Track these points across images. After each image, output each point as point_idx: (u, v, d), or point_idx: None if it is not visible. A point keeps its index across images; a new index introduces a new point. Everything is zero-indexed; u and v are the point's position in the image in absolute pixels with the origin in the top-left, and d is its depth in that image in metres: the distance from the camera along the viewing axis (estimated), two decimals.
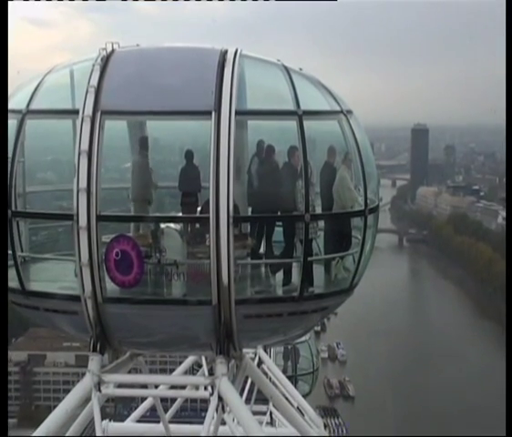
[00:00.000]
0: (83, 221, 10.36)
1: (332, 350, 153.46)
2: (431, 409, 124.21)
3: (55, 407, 11.21)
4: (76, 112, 10.69)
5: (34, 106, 11.08)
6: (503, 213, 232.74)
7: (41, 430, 10.90)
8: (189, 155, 11.77)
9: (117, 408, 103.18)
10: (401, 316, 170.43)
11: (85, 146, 10.45)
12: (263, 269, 11.78)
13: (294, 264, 11.30)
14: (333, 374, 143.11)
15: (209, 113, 10.41)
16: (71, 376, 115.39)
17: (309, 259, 10.97)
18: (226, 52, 11.07)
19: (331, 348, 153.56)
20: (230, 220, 10.26)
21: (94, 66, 10.88)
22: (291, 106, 10.79)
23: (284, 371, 24.74)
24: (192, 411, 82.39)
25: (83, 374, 11.20)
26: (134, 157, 12.48)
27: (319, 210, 11.57)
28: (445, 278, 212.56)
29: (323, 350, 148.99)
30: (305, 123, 10.69)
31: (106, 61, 10.97)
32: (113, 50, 11.23)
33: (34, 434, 10.81)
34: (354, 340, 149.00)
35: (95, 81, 10.71)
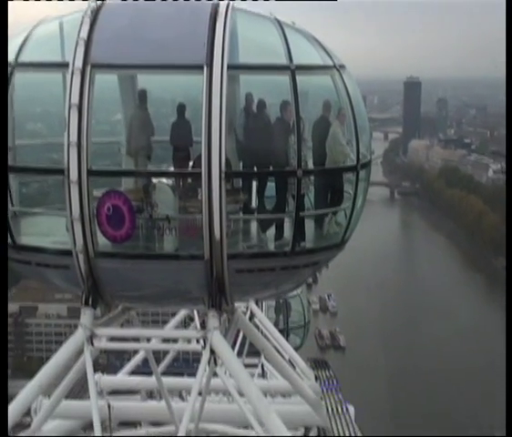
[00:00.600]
0: (74, 176, 10.29)
1: (323, 302, 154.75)
2: (421, 360, 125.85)
3: (47, 358, 11.27)
4: (65, 65, 10.54)
5: (23, 59, 10.93)
6: (493, 166, 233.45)
7: (34, 383, 10.98)
8: (180, 109, 11.65)
9: (110, 359, 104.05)
10: (392, 268, 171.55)
11: (75, 99, 10.33)
12: (255, 224, 11.79)
13: (286, 219, 11.31)
14: (324, 325, 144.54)
15: (201, 67, 10.29)
16: (63, 328, 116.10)
17: (301, 214, 10.98)
18: (218, 5, 10.90)
19: (322, 299, 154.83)
20: (223, 175, 10.23)
21: (83, 18, 10.70)
22: (283, 61, 10.68)
23: (276, 325, 24.97)
24: (184, 362, 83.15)
25: (75, 326, 11.24)
26: (132, 111, 12.29)
27: (311, 165, 11.54)
28: (436, 230, 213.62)
29: (315, 301, 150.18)
30: (298, 77, 10.61)
31: (96, 13, 10.79)
32: (103, 2, 11.05)
33: (26, 388, 10.90)
34: (345, 292, 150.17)
35: (85, 33, 10.54)
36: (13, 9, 11.78)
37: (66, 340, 11.26)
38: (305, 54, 11.27)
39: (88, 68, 10.39)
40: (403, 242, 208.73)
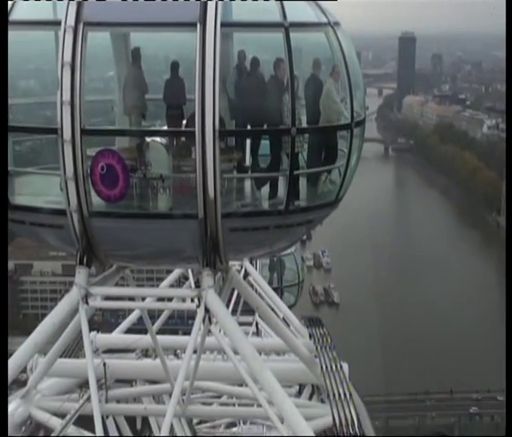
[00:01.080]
0: (67, 135, 10.24)
1: (317, 258, 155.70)
2: (415, 316, 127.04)
3: (42, 315, 11.35)
4: (57, 23, 10.41)
5: (14, 17, 10.79)
6: (488, 122, 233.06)
7: (29, 342, 11.06)
8: (174, 66, 11.53)
9: (105, 316, 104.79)
10: (386, 224, 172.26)
11: (67, 58, 10.22)
12: (249, 183, 11.78)
13: (280, 177, 11.30)
14: (318, 281, 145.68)
15: (195, 25, 10.19)
16: (58, 285, 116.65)
17: (295, 172, 10.97)
18: None
19: (316, 256, 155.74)
20: (216, 134, 10.19)
21: None
22: (277, 18, 10.57)
23: (270, 283, 25.04)
24: (179, 319, 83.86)
25: (70, 283, 11.26)
26: (126, 69, 12.17)
27: (305, 123, 11.50)
28: (431, 187, 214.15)
29: (309, 257, 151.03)
30: (292, 35, 10.52)
31: None
32: None
33: (22, 347, 10.98)
34: (339, 248, 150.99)
35: None
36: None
37: (61, 299, 11.30)
38: (299, 11, 11.13)
39: (81, 26, 10.26)
40: (397, 198, 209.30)
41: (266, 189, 11.39)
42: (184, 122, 11.18)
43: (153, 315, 15.67)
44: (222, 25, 10.27)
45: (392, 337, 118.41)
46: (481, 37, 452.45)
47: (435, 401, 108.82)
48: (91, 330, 12.61)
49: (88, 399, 12.63)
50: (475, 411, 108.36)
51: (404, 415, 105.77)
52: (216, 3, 10.28)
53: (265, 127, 11.29)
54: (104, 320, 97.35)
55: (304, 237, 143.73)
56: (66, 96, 10.23)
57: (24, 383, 13.59)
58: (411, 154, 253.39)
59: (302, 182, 11.49)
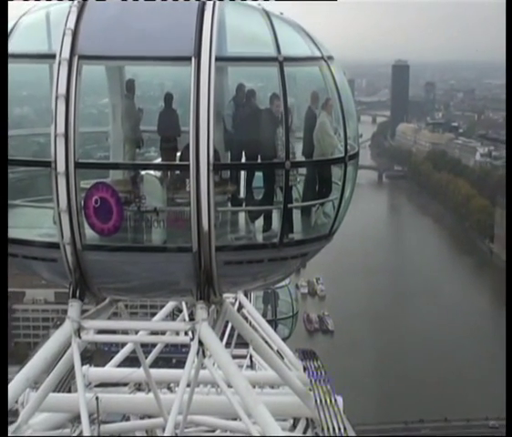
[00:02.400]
0: (61, 167, 10.21)
1: (311, 286, 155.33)
2: (409, 343, 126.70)
3: (35, 344, 11.28)
4: (52, 56, 10.42)
5: (9, 49, 10.79)
6: (481, 150, 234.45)
7: (20, 377, 10.93)
8: (168, 98, 11.57)
9: (98, 345, 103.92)
10: (380, 252, 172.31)
11: (62, 90, 10.22)
12: (243, 216, 11.76)
13: (274, 210, 11.29)
14: (313, 309, 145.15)
15: (189, 59, 10.22)
16: (50, 313, 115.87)
17: (289, 205, 10.96)
18: None
19: (310, 283, 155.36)
20: (211, 168, 10.18)
21: (71, 7, 10.57)
22: (271, 52, 10.61)
23: (264, 315, 24.98)
24: (173, 347, 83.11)
25: (62, 311, 11.22)
26: (120, 101, 12.18)
27: (299, 157, 11.52)
28: (424, 214, 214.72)
29: (303, 285, 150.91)
30: (286, 69, 10.56)
31: (83, 3, 10.67)
32: None
33: (13, 382, 10.85)
34: (334, 275, 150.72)
35: (72, 24, 10.41)
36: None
37: (54, 333, 11.21)
38: (293, 45, 11.20)
39: (76, 59, 10.29)
40: (391, 225, 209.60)
41: (260, 222, 11.38)
42: (178, 154, 11.18)
43: (146, 347, 15.56)
44: (217, 59, 10.31)
45: (386, 364, 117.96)
46: (474, 65, 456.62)
47: (429, 429, 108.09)
48: (84, 358, 12.46)
49: (80, 434, 12.49)
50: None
51: None
52: (211, 36, 10.31)
53: (259, 159, 11.29)
54: (97, 349, 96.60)
55: None
56: (61, 129, 10.22)
57: (14, 413, 13.43)
58: (405, 181, 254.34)
59: (296, 215, 11.48)
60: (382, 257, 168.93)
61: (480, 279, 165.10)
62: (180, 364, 13.49)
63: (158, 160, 11.56)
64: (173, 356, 62.96)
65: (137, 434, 17.01)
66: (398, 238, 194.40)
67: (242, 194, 11.64)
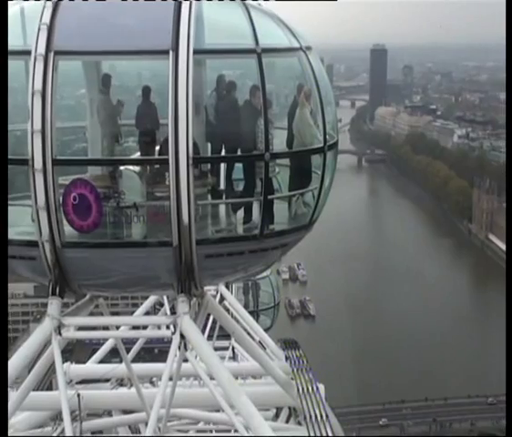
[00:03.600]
0: (38, 164, 10.09)
1: (292, 271, 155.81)
2: (389, 325, 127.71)
3: (14, 339, 11.15)
4: (28, 52, 10.27)
5: None
6: (458, 131, 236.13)
7: None
8: (146, 91, 11.47)
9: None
10: (360, 236, 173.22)
11: (38, 86, 10.09)
12: (224, 208, 11.73)
13: (255, 202, 11.26)
14: (294, 294, 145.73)
15: (167, 52, 10.13)
16: (30, 307, 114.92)
17: (269, 197, 10.94)
18: None
19: (291, 268, 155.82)
20: (190, 161, 10.12)
21: (46, 2, 10.43)
22: (249, 44, 10.54)
23: (246, 307, 25.00)
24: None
25: (42, 304, 11.16)
26: (97, 95, 12.04)
27: (281, 147, 11.50)
28: (404, 197, 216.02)
29: (284, 270, 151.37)
30: (264, 60, 10.51)
31: None
32: None
33: None
34: (315, 260, 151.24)
35: (47, 19, 10.27)
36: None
37: (34, 331, 11.11)
38: (271, 36, 11.15)
39: (51, 55, 10.15)
40: (371, 209, 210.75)
41: (241, 214, 11.36)
42: (157, 148, 11.10)
43: (129, 341, 15.49)
44: (195, 52, 10.23)
45: (367, 347, 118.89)
46: (450, 48, 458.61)
47: (410, 409, 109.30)
48: (65, 351, 12.35)
49: (62, 432, 12.43)
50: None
51: (381, 424, 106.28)
52: (188, 29, 10.22)
53: (239, 151, 11.25)
54: (78, 342, 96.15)
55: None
56: (37, 126, 10.09)
57: None
58: (384, 164, 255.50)
59: (277, 206, 11.45)
60: (362, 241, 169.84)
61: (459, 259, 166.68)
62: (163, 354, 13.44)
63: (137, 154, 11.47)
64: (155, 346, 62.84)
65: (119, 430, 16.95)
66: (378, 222, 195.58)
67: (222, 186, 11.61)
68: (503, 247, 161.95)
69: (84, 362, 16.49)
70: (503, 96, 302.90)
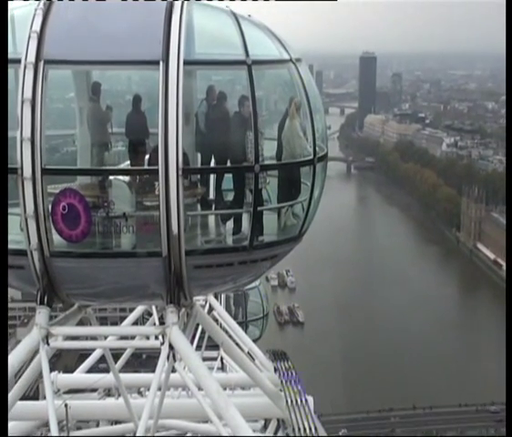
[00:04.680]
0: (27, 173, 10.04)
1: (281, 278, 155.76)
2: (378, 332, 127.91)
3: None
4: (18, 61, 10.21)
5: None
6: (447, 140, 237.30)
7: None
8: (136, 100, 11.43)
9: None
10: (349, 243, 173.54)
11: (28, 94, 10.05)
12: (213, 218, 11.71)
13: (244, 213, 11.25)
14: (283, 301, 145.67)
15: (157, 63, 10.12)
16: (17, 311, 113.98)
17: (259, 208, 10.93)
18: None
19: (280, 275, 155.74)
20: (180, 172, 10.11)
21: (36, 10, 10.39)
22: (240, 55, 10.55)
23: (235, 317, 24.94)
24: None
25: (30, 309, 11.09)
26: (87, 104, 11.99)
27: (270, 158, 11.50)
28: (392, 204, 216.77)
29: (273, 277, 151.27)
30: (254, 72, 10.51)
31: (49, 5, 10.49)
32: None
33: None
34: (303, 267, 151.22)
35: (37, 27, 10.23)
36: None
37: (21, 341, 11.04)
38: (261, 47, 11.15)
39: (41, 64, 10.11)
40: (359, 216, 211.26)
41: (230, 225, 11.34)
42: (147, 157, 11.08)
43: (117, 351, 15.40)
44: (185, 62, 10.22)
45: (356, 354, 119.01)
46: (438, 56, 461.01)
47: (399, 417, 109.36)
48: (52, 356, 12.25)
49: None
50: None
51: (370, 433, 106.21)
52: (179, 40, 10.21)
53: (229, 161, 11.23)
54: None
55: None
56: (26, 133, 10.04)
57: None
58: (373, 172, 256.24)
59: (266, 217, 11.45)
60: (350, 248, 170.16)
61: (447, 267, 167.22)
62: (150, 360, 13.38)
63: (127, 162, 11.44)
64: (143, 351, 62.75)
65: None
66: (367, 229, 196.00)
67: (212, 195, 11.59)
68: (491, 256, 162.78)
69: (72, 366, 16.37)
70: (491, 105, 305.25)
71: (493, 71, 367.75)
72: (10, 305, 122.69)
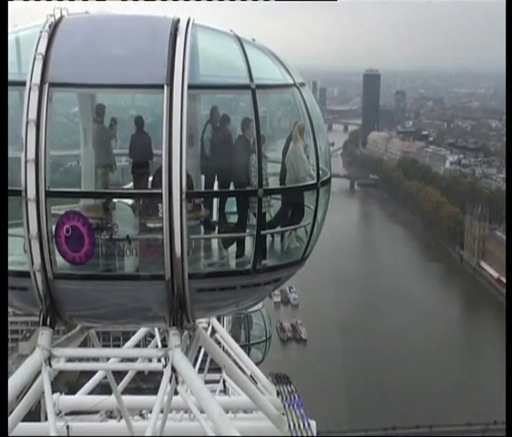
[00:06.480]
0: (31, 194, 10.08)
1: (284, 294, 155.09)
2: (381, 350, 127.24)
3: None
4: (23, 83, 10.27)
5: None
6: (450, 158, 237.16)
7: None
8: (139, 122, 11.48)
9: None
10: (352, 260, 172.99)
11: (33, 116, 10.10)
12: (216, 241, 11.71)
13: (247, 236, 11.24)
14: (286, 318, 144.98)
15: (162, 86, 10.16)
16: (19, 325, 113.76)
17: (262, 232, 10.93)
18: (178, 21, 10.76)
19: (283, 292, 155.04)
20: (183, 196, 10.13)
21: (42, 32, 10.46)
22: (244, 79, 10.59)
23: (238, 340, 24.82)
24: None
25: (32, 323, 11.06)
26: (91, 125, 12.02)
27: (271, 183, 11.49)
28: (395, 221, 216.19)
29: (276, 293, 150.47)
30: (258, 96, 10.54)
31: (54, 28, 10.55)
32: (61, 17, 10.80)
33: None
34: (307, 284, 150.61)
35: (42, 49, 10.31)
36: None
37: (24, 362, 11.03)
38: (265, 72, 11.21)
39: (46, 86, 10.17)
40: (362, 233, 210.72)
41: (233, 248, 11.32)
42: (150, 178, 11.09)
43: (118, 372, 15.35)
44: (189, 86, 10.26)
45: (359, 372, 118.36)
46: (442, 74, 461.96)
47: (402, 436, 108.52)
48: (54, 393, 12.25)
49: None
50: None
51: None
52: (183, 64, 10.26)
53: (232, 184, 11.25)
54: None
55: None
56: (31, 155, 10.07)
57: None
58: (376, 189, 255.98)
59: (269, 241, 11.45)
60: (353, 265, 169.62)
61: (451, 285, 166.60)
62: (152, 376, 13.35)
63: (131, 184, 11.46)
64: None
65: None
66: (370, 246, 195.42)
67: (215, 217, 11.59)
68: (494, 274, 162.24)
69: (73, 382, 16.31)
70: (494, 123, 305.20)
71: (496, 89, 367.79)
72: (12, 319, 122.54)
